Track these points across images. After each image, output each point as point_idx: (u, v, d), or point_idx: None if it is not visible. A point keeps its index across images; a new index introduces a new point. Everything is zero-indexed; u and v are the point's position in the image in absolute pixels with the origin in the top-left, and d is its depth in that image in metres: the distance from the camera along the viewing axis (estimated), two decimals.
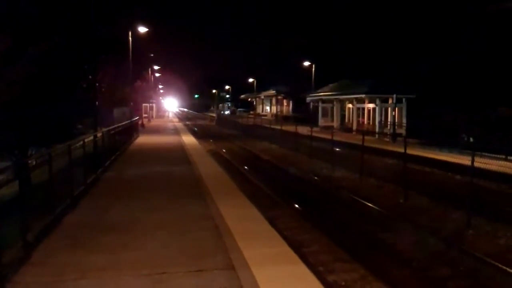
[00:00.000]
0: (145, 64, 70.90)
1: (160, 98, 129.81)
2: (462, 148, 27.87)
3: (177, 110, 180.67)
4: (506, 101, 40.82)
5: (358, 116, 52.46)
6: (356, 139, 35.38)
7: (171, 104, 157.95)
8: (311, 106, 68.95)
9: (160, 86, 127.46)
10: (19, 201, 9.01)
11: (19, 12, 22.15)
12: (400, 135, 40.20)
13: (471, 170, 16.37)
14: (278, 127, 45.96)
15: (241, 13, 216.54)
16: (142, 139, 37.69)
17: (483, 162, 17.28)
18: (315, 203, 20.73)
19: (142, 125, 53.69)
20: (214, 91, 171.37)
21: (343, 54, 77.27)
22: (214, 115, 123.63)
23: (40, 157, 12.43)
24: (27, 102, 21.17)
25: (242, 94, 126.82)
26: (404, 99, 47.14)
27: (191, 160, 23.77)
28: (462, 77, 49.38)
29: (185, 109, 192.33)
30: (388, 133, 43.54)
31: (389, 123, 46.17)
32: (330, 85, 61.95)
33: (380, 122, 47.71)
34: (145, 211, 12.49)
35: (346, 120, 56.09)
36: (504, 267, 12.15)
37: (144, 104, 75.20)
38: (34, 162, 11.74)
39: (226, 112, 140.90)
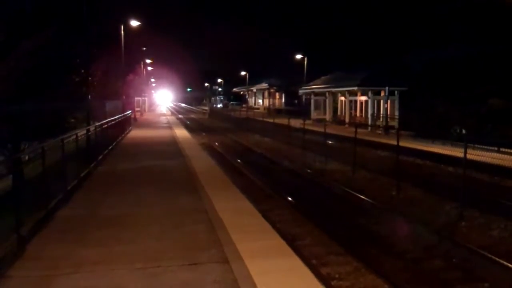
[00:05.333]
0: (138, 58, 70.65)
1: (153, 91, 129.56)
2: (455, 140, 27.93)
3: (171, 104, 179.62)
4: (497, 93, 41.01)
5: (350, 108, 52.53)
6: (348, 131, 35.41)
7: (164, 98, 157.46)
8: (303, 99, 68.96)
9: (153, 80, 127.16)
10: (13, 195, 9.00)
11: (11, 5, 22.02)
12: (392, 127, 40.27)
13: (464, 162, 16.42)
14: (271, 120, 45.99)
15: (233, 6, 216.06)
16: (135, 133, 37.63)
17: (476, 154, 17.37)
18: (308, 196, 20.71)
19: (135, 118, 53.62)
20: (206, 84, 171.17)
21: (335, 47, 77.29)
22: (206, 108, 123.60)
23: (33, 151, 12.42)
24: (20, 96, 21.07)
25: (235, 88, 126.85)
26: (396, 92, 47.17)
27: (184, 154, 23.76)
28: (454, 69, 49.51)
29: (181, 104, 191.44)
30: (381, 126, 43.60)
31: (381, 115, 46.21)
32: (323, 77, 61.88)
33: (372, 114, 47.75)
34: (138, 205, 12.50)
35: (339, 113, 56.08)
36: (498, 259, 12.19)
37: (136, 98, 75.07)
38: (27, 157, 11.73)
39: (219, 106, 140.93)
